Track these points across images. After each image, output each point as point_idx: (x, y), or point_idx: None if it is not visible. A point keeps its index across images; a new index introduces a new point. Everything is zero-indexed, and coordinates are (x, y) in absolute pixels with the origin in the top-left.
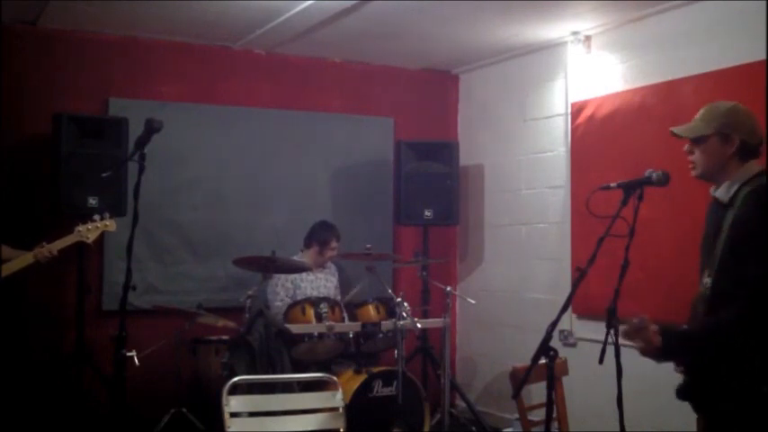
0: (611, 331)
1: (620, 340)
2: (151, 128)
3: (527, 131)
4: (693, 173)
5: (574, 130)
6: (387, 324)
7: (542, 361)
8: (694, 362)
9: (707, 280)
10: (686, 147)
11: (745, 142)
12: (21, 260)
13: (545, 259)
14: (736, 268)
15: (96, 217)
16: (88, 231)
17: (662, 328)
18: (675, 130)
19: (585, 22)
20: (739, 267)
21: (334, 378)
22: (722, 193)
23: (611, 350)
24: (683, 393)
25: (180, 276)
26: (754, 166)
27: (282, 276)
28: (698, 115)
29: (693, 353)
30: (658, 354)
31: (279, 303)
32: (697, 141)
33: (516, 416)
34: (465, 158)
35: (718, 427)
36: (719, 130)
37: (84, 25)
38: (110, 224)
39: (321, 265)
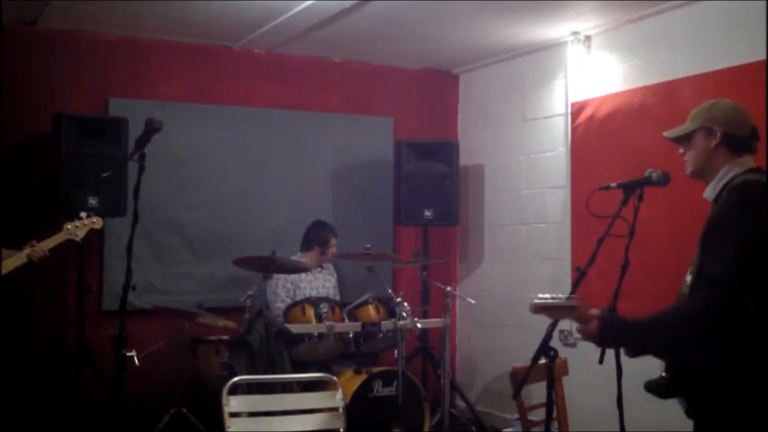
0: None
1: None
2: (151, 128)
3: (527, 131)
4: (686, 172)
5: (574, 130)
6: (387, 324)
7: (542, 361)
8: (637, 352)
9: (688, 277)
10: (680, 150)
11: (729, 134)
12: (14, 260)
13: (545, 259)
14: (701, 263)
15: (83, 215)
16: (76, 229)
17: (604, 312)
18: (666, 133)
19: (585, 22)
20: (704, 262)
21: (334, 378)
22: (709, 192)
23: (611, 350)
24: (657, 389)
25: (180, 276)
26: (746, 163)
27: (282, 277)
28: (688, 117)
29: (633, 341)
30: (597, 340)
31: (279, 304)
32: (686, 140)
33: (516, 416)
34: (465, 158)
35: (711, 423)
36: (702, 125)
37: (84, 25)
38: (96, 221)
39: (321, 265)
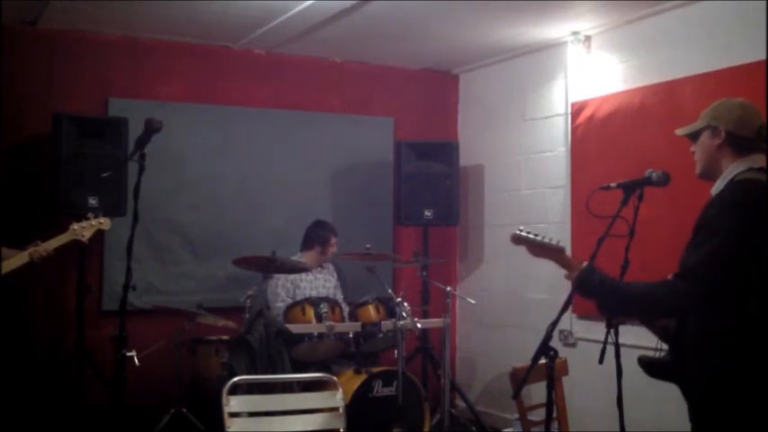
0: (611, 331)
1: (620, 340)
2: (151, 128)
3: (527, 131)
4: (696, 172)
5: (574, 130)
6: (387, 324)
7: (542, 361)
8: (602, 308)
9: None
10: (691, 148)
11: (733, 133)
12: (16, 259)
13: (545, 259)
14: (684, 252)
15: (91, 215)
16: (83, 229)
17: (588, 266)
18: (678, 131)
19: (585, 22)
20: (686, 252)
21: (334, 378)
22: (715, 188)
23: (611, 350)
24: (648, 366)
25: (180, 276)
26: (754, 162)
27: (282, 277)
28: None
29: (601, 299)
30: (574, 285)
31: (279, 304)
32: (694, 139)
33: (516, 416)
34: (465, 158)
35: (705, 409)
36: (708, 124)
37: (84, 25)
38: (104, 222)
39: (321, 265)
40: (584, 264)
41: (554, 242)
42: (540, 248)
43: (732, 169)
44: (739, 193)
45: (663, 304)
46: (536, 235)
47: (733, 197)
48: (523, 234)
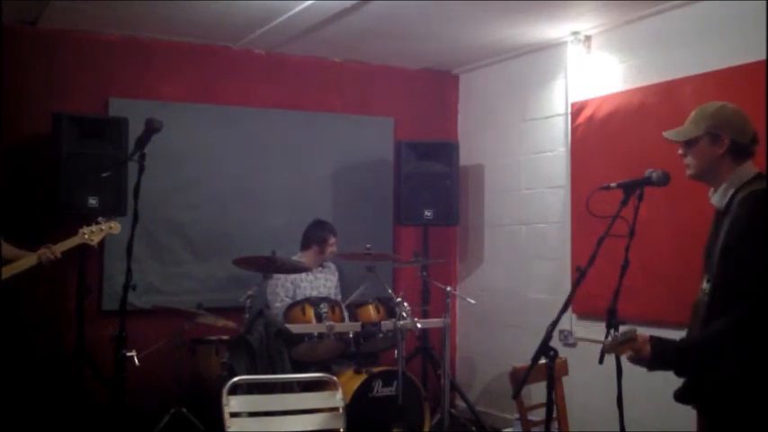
0: (612, 331)
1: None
2: (151, 128)
3: (527, 131)
4: (687, 173)
5: (574, 130)
6: (387, 324)
7: (542, 361)
8: (685, 372)
9: (705, 285)
10: (679, 150)
11: (736, 142)
12: (24, 261)
13: (545, 259)
14: (729, 276)
15: (101, 219)
16: (92, 233)
17: (653, 337)
18: (666, 134)
19: (585, 22)
20: (732, 275)
21: (334, 378)
22: (718, 199)
23: None
24: (683, 397)
25: (180, 276)
26: (750, 169)
27: (282, 277)
28: (689, 118)
29: (684, 364)
30: (648, 364)
31: (279, 304)
32: (688, 144)
33: (516, 416)
34: (465, 158)
35: (723, 426)
36: (708, 131)
37: (84, 25)
38: (114, 226)
39: (321, 264)
40: (647, 337)
41: (628, 333)
42: (623, 347)
43: (734, 178)
44: (759, 205)
45: (740, 333)
46: (613, 338)
47: (759, 210)
48: (616, 342)
